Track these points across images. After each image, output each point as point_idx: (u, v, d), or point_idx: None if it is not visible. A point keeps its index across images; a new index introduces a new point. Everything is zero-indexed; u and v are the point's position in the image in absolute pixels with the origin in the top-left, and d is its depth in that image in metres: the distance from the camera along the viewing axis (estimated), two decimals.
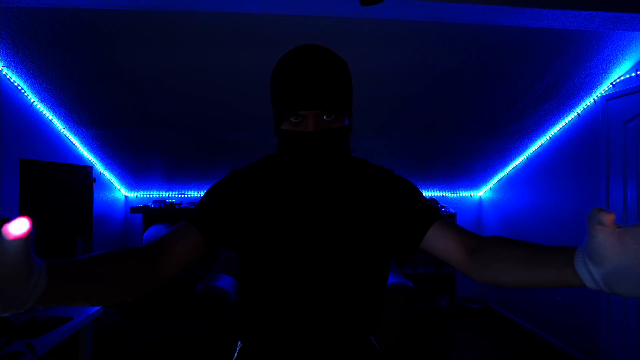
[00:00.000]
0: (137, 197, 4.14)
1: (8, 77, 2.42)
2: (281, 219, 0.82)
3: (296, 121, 0.77)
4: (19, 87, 2.51)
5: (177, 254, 0.75)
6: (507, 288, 4.00)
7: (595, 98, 2.78)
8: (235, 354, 0.94)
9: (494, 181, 4.17)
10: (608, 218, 0.46)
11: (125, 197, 4.13)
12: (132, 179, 3.88)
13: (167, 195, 4.14)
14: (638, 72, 2.47)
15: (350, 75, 0.81)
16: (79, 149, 3.25)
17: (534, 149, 3.51)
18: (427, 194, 4.36)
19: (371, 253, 0.84)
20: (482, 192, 4.42)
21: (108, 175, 3.77)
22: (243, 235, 0.83)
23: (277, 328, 0.82)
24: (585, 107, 2.90)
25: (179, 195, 4.14)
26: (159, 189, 4.10)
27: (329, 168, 0.80)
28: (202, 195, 0.88)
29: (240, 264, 0.88)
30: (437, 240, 0.78)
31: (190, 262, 0.78)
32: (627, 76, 2.55)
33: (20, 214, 2.53)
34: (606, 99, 2.67)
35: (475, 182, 4.21)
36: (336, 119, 0.77)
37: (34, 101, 2.64)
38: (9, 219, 0.41)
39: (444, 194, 4.39)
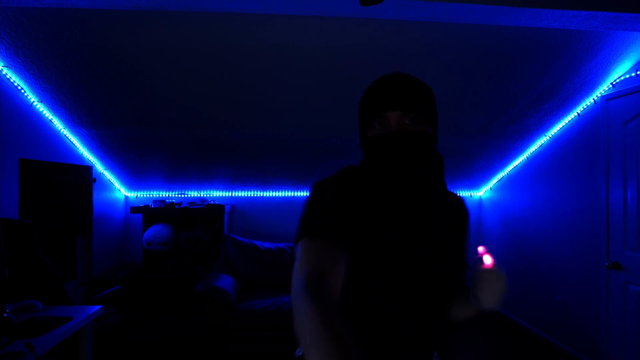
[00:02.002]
0: (137, 197, 4.14)
1: (8, 77, 2.42)
2: (391, 228, 0.80)
3: (380, 125, 0.80)
4: (19, 87, 2.51)
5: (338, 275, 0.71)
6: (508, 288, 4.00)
7: (595, 98, 2.78)
8: None
9: (494, 181, 4.17)
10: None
11: (125, 197, 4.13)
12: (132, 179, 3.88)
13: (167, 195, 4.14)
14: (638, 72, 2.47)
15: (433, 96, 0.87)
16: (79, 149, 3.25)
17: (534, 149, 3.51)
18: None
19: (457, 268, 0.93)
20: (482, 192, 4.42)
21: (108, 175, 3.77)
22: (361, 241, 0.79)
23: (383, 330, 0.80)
24: (585, 107, 2.90)
25: (179, 195, 4.14)
26: (159, 189, 4.10)
27: (417, 169, 0.80)
28: (312, 199, 0.80)
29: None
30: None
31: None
32: (627, 76, 2.55)
33: (20, 214, 2.53)
34: (606, 99, 2.67)
35: (475, 182, 4.21)
36: (418, 121, 0.80)
37: (34, 101, 2.64)
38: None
39: None
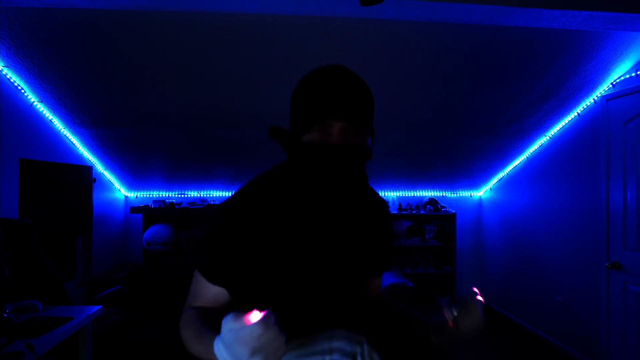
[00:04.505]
0: (137, 197, 4.14)
1: (8, 77, 2.42)
2: (302, 248, 0.79)
3: (320, 132, 0.72)
4: (19, 87, 2.51)
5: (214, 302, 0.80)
6: (508, 288, 3.97)
7: (595, 98, 2.78)
8: None
9: (494, 181, 4.17)
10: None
11: (125, 197, 4.13)
12: (132, 179, 3.88)
13: (167, 195, 4.14)
14: (638, 72, 2.47)
15: (373, 102, 0.79)
16: (79, 149, 3.25)
17: (534, 149, 3.51)
18: (427, 194, 4.36)
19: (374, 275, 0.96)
20: (482, 192, 4.42)
21: (108, 175, 3.77)
22: (264, 272, 0.78)
23: None
24: (585, 107, 2.90)
25: (179, 195, 4.13)
26: (159, 189, 4.10)
27: (350, 186, 0.76)
28: (210, 226, 0.80)
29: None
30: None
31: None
32: (627, 76, 2.55)
33: (20, 214, 2.53)
34: (606, 99, 2.67)
35: (475, 182, 4.21)
36: (361, 135, 0.75)
37: (34, 101, 2.64)
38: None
39: (444, 194, 4.39)
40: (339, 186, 0.74)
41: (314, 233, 0.79)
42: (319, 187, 0.75)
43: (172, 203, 3.84)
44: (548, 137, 3.30)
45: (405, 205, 4.24)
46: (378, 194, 0.97)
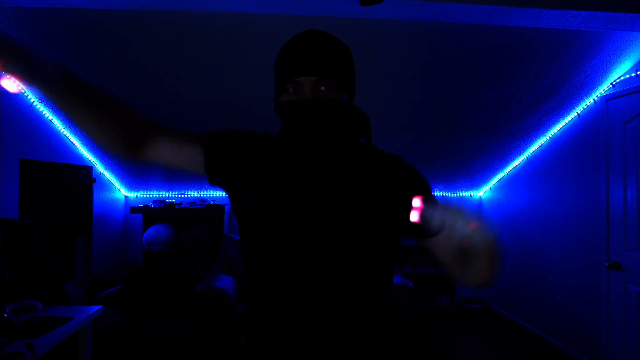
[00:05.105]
0: (137, 197, 4.14)
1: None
2: (283, 198, 0.79)
3: (294, 91, 0.76)
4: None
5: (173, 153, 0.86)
6: (508, 288, 3.97)
7: (595, 98, 2.78)
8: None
9: (494, 181, 4.17)
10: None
11: (125, 197, 4.13)
12: (132, 179, 3.88)
13: (167, 195, 4.14)
14: (638, 72, 2.47)
15: (351, 58, 0.81)
16: (79, 149, 3.25)
17: (534, 149, 3.51)
18: None
19: (374, 239, 0.79)
20: (482, 192, 4.42)
21: (108, 175, 3.77)
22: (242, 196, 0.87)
23: (281, 320, 0.80)
24: (585, 107, 2.90)
25: (179, 195, 4.14)
26: (159, 189, 4.10)
27: (328, 139, 0.77)
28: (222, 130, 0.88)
29: (243, 244, 0.88)
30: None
31: (180, 163, 0.88)
32: (627, 76, 2.55)
33: (20, 214, 2.53)
34: (606, 99, 2.67)
35: (475, 182, 4.21)
36: (334, 89, 0.76)
37: (34, 101, 2.64)
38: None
39: (444, 194, 4.39)
40: (314, 139, 0.76)
41: (291, 190, 0.79)
42: (297, 141, 0.78)
43: (172, 203, 3.84)
44: (548, 137, 3.30)
45: None
46: (391, 155, 0.89)
